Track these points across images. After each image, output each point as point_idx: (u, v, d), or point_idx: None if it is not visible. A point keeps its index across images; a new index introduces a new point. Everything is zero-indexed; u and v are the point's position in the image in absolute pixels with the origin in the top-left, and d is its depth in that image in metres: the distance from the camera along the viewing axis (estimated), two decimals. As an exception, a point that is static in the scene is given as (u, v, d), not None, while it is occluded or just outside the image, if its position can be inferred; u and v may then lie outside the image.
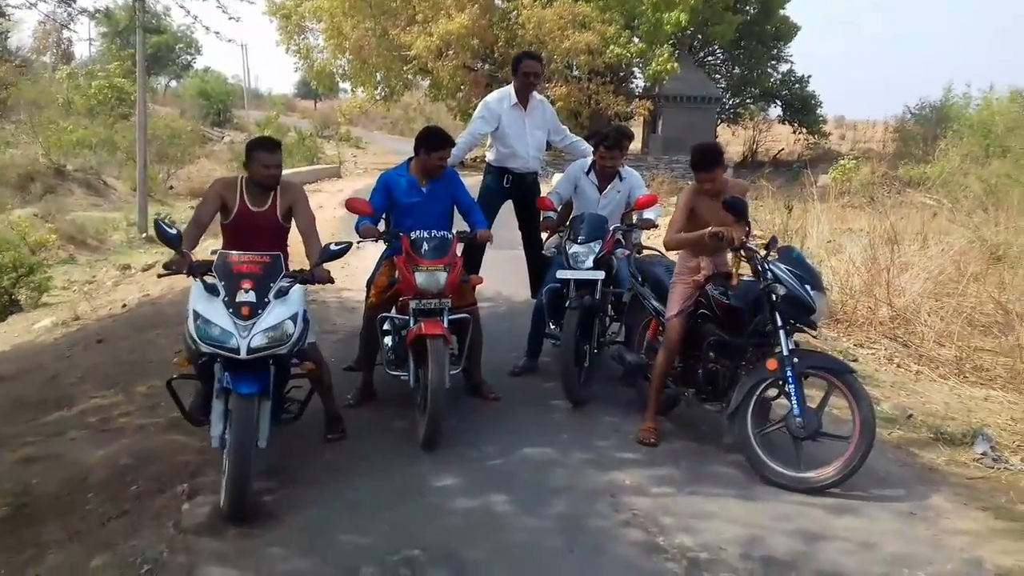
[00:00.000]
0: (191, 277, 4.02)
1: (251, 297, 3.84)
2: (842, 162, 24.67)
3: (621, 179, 5.80)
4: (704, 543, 3.59)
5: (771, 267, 4.31)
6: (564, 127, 6.54)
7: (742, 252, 4.45)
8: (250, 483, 3.75)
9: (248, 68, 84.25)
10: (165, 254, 13.35)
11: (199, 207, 4.60)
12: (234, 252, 4.13)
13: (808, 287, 4.22)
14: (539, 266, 6.28)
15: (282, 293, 3.94)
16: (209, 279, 3.96)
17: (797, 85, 37.82)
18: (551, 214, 5.84)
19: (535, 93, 6.26)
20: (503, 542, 3.59)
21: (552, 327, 5.75)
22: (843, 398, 4.20)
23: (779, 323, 4.26)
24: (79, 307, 9.51)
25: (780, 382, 4.28)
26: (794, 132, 37.71)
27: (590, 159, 5.91)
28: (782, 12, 35.53)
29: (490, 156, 6.37)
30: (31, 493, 4.25)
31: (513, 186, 6.28)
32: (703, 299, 4.68)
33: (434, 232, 4.84)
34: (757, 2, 34.83)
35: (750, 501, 4.03)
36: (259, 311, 3.83)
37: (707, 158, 4.66)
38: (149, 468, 4.35)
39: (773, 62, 37.26)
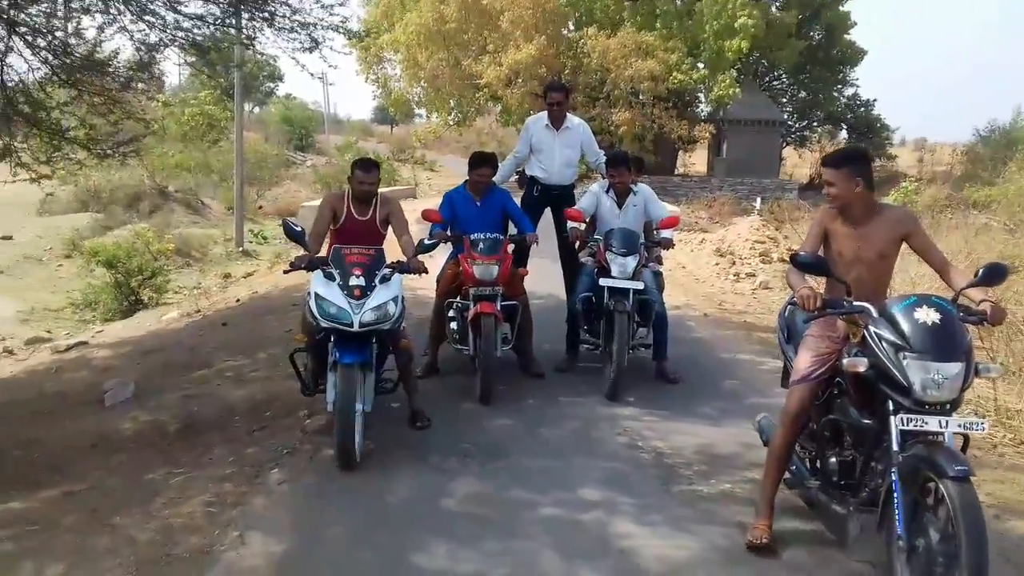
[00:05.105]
0: (311, 271, 4.98)
1: (361, 281, 4.71)
2: (904, 184, 25.33)
3: (634, 194, 6.58)
4: (671, 446, 5.05)
5: (868, 331, 3.33)
6: (600, 150, 7.44)
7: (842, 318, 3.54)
8: (354, 438, 4.50)
9: (328, 95, 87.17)
10: (260, 267, 15.19)
11: (316, 220, 5.53)
12: (346, 247, 5.07)
13: (906, 355, 3.14)
14: (572, 268, 7.06)
15: (385, 279, 4.83)
16: (327, 269, 4.89)
17: (862, 109, 38.45)
18: (578, 225, 6.60)
19: (572, 116, 7.27)
20: (530, 442, 5.13)
21: (585, 332, 6.48)
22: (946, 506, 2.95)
23: (890, 407, 3.23)
24: (200, 302, 11.34)
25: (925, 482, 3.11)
26: (860, 155, 38.08)
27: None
28: (847, 37, 36.27)
29: (527, 169, 7.49)
30: (194, 417, 5.88)
31: (543, 195, 7.24)
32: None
33: (488, 234, 6.09)
34: (822, 28, 35.61)
35: (716, 427, 5.42)
36: (368, 293, 4.70)
37: (838, 157, 3.73)
38: (277, 402, 5.94)
39: (839, 86, 37.95)
